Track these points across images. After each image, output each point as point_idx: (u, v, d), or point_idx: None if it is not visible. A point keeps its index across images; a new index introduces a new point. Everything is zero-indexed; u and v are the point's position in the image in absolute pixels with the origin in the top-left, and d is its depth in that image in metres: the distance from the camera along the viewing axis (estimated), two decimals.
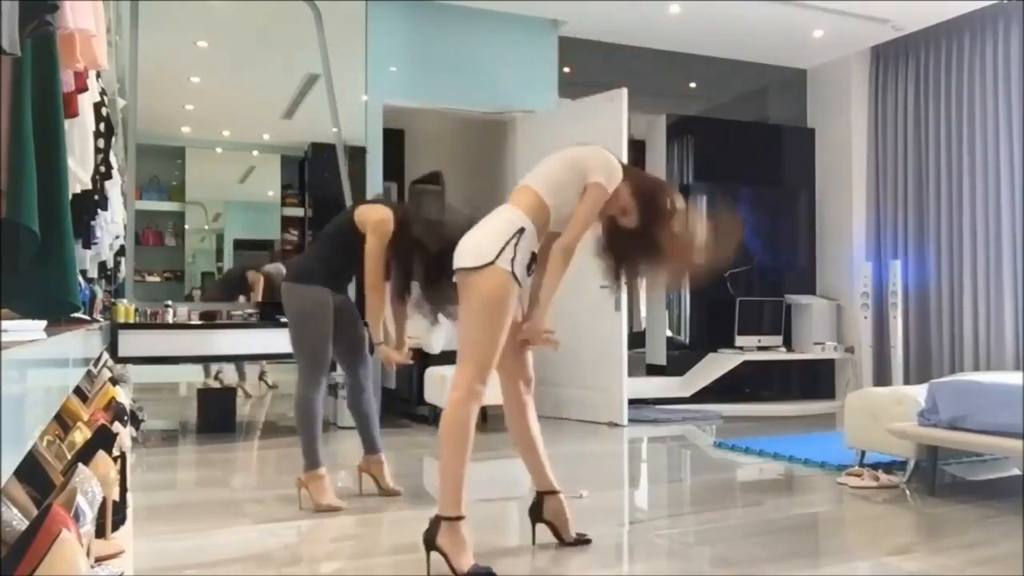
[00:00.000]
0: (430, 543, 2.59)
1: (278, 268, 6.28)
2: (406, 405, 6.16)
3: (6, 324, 1.29)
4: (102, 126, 3.00)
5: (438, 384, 5.46)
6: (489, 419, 5.87)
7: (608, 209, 2.80)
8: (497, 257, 2.59)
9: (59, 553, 1.29)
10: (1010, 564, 2.78)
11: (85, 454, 2.03)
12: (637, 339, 7.75)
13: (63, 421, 2.51)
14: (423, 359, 5.87)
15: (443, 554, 2.56)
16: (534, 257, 2.73)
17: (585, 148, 2.82)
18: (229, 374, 7.05)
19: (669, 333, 7.51)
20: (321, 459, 3.50)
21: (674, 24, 6.67)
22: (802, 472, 4.33)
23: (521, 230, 2.65)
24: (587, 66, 6.99)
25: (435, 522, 2.60)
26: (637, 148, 7.39)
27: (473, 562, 2.56)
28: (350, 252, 3.53)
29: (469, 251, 2.67)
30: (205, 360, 5.96)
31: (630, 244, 2.83)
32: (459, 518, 2.58)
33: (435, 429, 5.43)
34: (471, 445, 2.65)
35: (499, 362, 2.76)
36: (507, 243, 2.61)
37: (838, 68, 7.54)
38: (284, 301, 3.59)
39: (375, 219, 3.48)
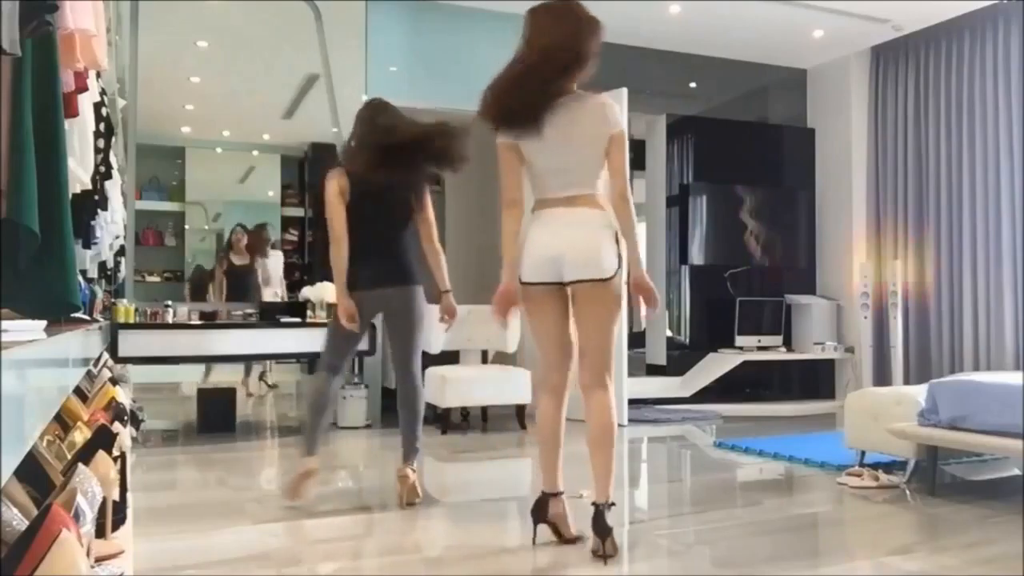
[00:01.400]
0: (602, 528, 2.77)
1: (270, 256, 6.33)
2: None
3: (6, 324, 1.29)
4: (102, 126, 3.00)
5: (438, 384, 5.46)
6: (490, 419, 5.88)
7: None
8: (619, 268, 2.79)
9: (59, 553, 1.29)
10: (1010, 564, 2.78)
11: (85, 454, 2.03)
12: (637, 339, 7.75)
13: (63, 421, 2.51)
14: (422, 359, 5.86)
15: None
16: None
17: (596, 114, 2.93)
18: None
19: (669, 333, 7.51)
20: None
21: (674, 24, 6.67)
22: (802, 472, 4.33)
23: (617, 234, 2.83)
24: None
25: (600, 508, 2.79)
26: (637, 148, 7.38)
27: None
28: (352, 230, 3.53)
29: (592, 264, 2.78)
30: (205, 360, 5.95)
31: None
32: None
33: (435, 429, 5.48)
34: None
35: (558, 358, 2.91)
36: (619, 252, 2.80)
37: (838, 68, 7.55)
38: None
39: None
